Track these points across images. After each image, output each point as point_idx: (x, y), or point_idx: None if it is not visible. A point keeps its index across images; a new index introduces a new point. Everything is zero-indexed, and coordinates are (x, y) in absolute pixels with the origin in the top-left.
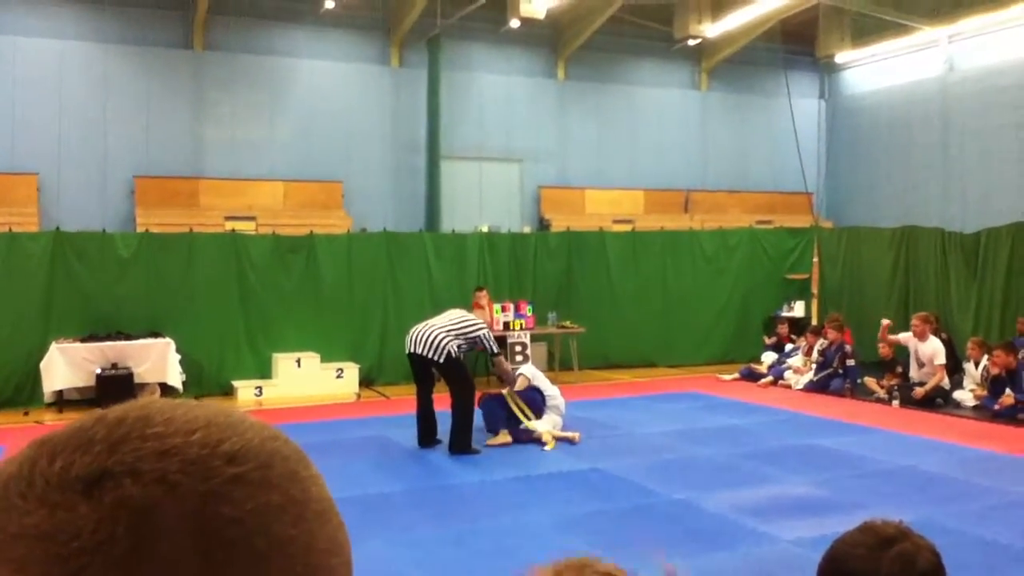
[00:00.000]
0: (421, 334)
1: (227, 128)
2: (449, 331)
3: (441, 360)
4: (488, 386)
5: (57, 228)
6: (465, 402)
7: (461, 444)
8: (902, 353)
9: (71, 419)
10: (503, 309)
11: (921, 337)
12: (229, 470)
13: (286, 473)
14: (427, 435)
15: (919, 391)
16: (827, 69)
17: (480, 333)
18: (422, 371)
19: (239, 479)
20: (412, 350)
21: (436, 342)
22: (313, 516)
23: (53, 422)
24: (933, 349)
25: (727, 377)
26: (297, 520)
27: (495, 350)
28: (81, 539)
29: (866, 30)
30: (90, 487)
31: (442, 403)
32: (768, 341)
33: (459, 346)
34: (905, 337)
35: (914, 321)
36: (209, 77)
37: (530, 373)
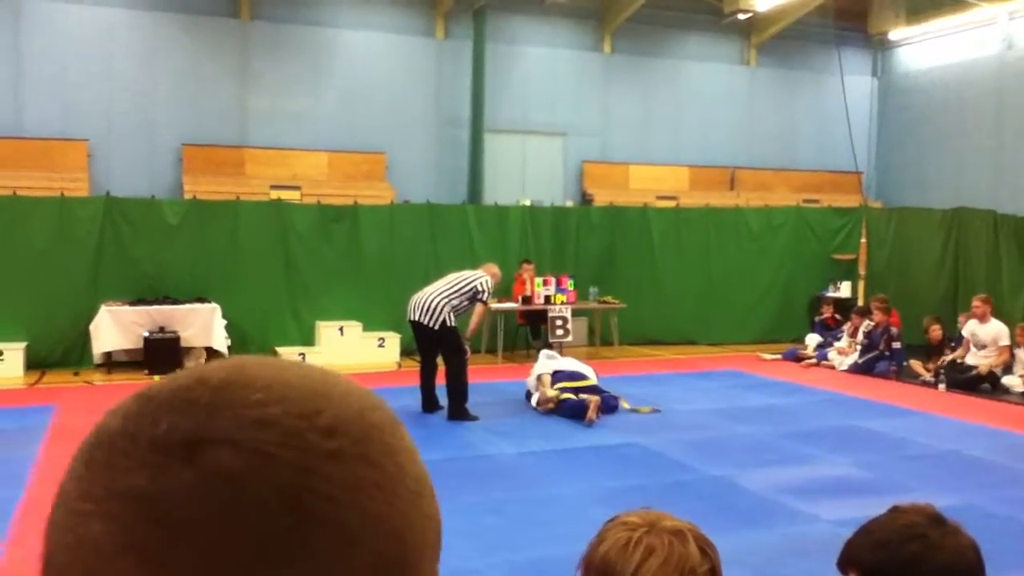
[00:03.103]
0: (419, 300)
1: (272, 98)
2: (444, 295)
3: (436, 327)
4: (528, 359)
5: (107, 194)
6: (458, 370)
7: (459, 411)
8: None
9: (119, 381)
10: (544, 283)
11: (982, 319)
12: (326, 444)
13: (383, 448)
14: (429, 403)
15: (983, 366)
16: (880, 46)
17: (477, 283)
18: (423, 339)
19: (335, 454)
20: (410, 317)
21: (432, 307)
22: (407, 493)
23: (102, 383)
24: (997, 330)
25: (768, 356)
26: (391, 498)
27: (483, 299)
28: (180, 507)
29: (921, 6)
30: (190, 452)
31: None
32: (817, 319)
33: (455, 308)
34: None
35: (975, 302)
36: (255, 46)
37: (548, 369)
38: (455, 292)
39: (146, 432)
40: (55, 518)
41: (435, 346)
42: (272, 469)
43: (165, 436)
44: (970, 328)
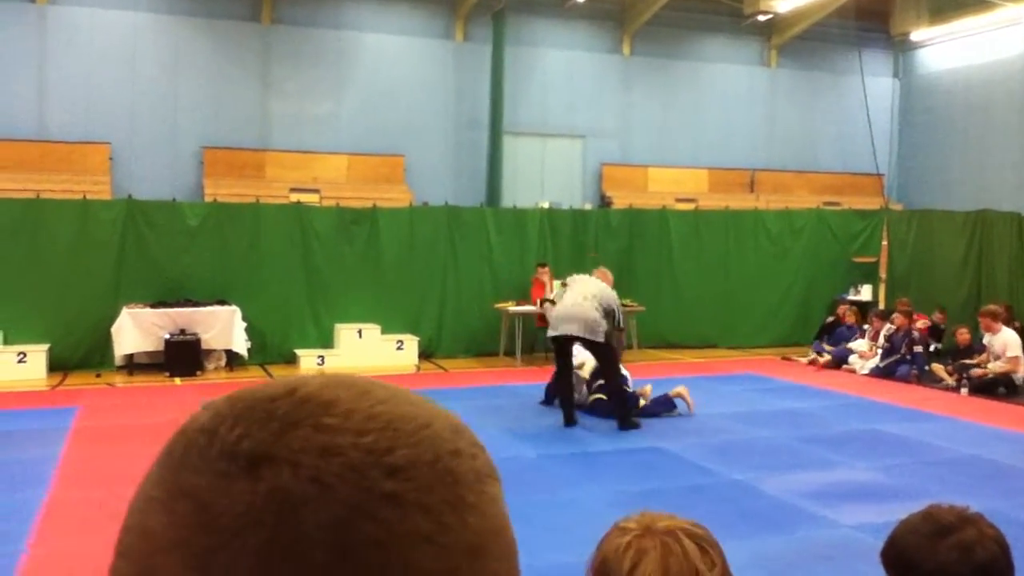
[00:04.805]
0: (573, 314)
1: (293, 101)
2: (597, 308)
3: (600, 340)
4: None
5: (129, 196)
6: (619, 379)
7: (628, 419)
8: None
9: (140, 383)
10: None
11: (989, 331)
12: (386, 485)
13: (449, 499)
14: (571, 417)
15: (977, 372)
16: (902, 47)
17: (614, 301)
18: (568, 352)
19: (393, 497)
20: (566, 333)
21: (590, 318)
22: (463, 550)
23: (124, 385)
24: (1004, 341)
25: (804, 360)
26: (442, 553)
27: (621, 324)
28: (230, 517)
29: (944, 7)
30: (253, 466)
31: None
32: (828, 321)
33: (606, 321)
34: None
35: (980, 317)
36: (276, 50)
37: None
38: (599, 305)
39: (221, 436)
40: (136, 496)
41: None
42: (325, 500)
43: (235, 444)
44: (987, 339)
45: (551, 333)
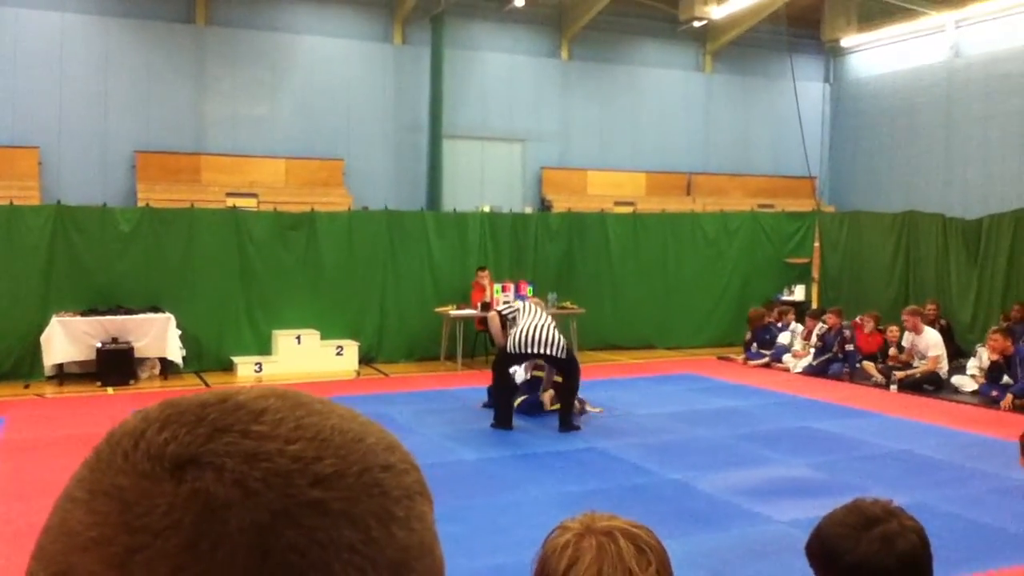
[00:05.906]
0: (536, 336)
1: (229, 104)
2: (555, 326)
3: (564, 356)
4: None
5: (58, 202)
6: (576, 387)
7: (571, 422)
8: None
9: (71, 393)
10: (503, 289)
11: (914, 330)
12: (311, 493)
13: (375, 511)
14: (509, 421)
15: (899, 374)
16: (832, 53)
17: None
18: (512, 364)
19: (317, 505)
20: (533, 351)
21: (556, 340)
22: (387, 565)
23: (53, 395)
24: (927, 341)
25: (753, 363)
26: (365, 565)
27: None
28: (151, 517)
29: (872, 14)
30: (178, 468)
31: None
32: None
33: None
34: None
35: (904, 316)
36: (211, 52)
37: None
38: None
39: (148, 438)
40: (59, 498)
41: (559, 369)
42: (248, 505)
43: (161, 447)
44: (908, 339)
45: (519, 350)
